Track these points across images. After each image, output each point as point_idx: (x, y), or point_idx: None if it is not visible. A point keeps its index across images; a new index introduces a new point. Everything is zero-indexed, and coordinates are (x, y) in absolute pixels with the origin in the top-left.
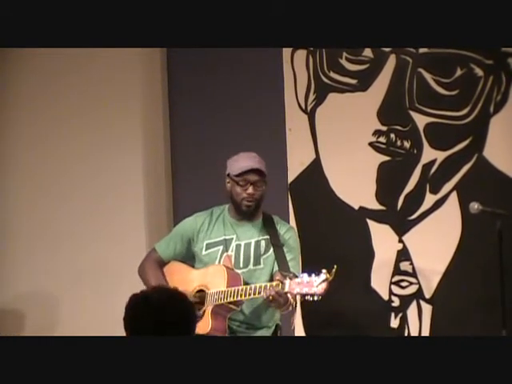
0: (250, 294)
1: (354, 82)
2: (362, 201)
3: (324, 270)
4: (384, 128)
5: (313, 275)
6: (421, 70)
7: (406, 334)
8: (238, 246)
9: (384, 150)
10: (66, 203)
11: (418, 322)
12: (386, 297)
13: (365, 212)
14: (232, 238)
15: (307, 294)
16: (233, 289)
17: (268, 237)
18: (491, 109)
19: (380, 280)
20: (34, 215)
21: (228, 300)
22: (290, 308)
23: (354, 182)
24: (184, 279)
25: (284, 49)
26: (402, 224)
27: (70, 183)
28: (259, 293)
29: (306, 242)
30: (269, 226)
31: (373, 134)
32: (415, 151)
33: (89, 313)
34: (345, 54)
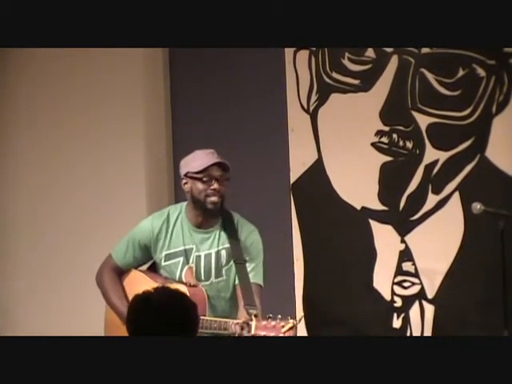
0: (215, 329)
1: (356, 82)
2: (364, 201)
3: (291, 319)
4: (386, 128)
5: (278, 320)
6: (423, 70)
7: (408, 335)
8: (197, 258)
9: (386, 151)
10: (68, 203)
11: (421, 323)
12: (388, 297)
13: (367, 212)
14: (192, 249)
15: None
16: (205, 319)
17: (228, 246)
18: (493, 109)
19: (382, 280)
20: (35, 215)
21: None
22: None
23: (357, 182)
24: (142, 289)
25: (286, 49)
26: (404, 224)
27: (72, 183)
28: (225, 329)
29: (308, 243)
30: (229, 231)
31: (375, 135)
32: (417, 151)
33: (90, 312)
34: (347, 55)
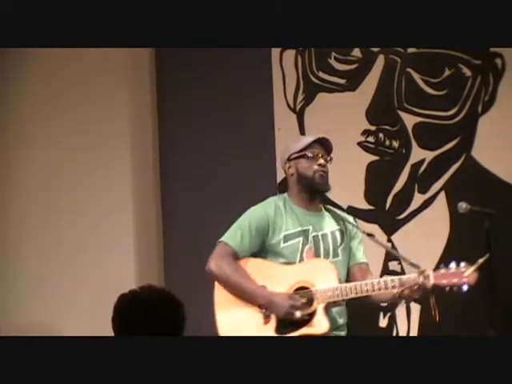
0: (379, 289)
1: (342, 81)
2: (350, 200)
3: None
4: (373, 128)
5: (461, 264)
6: (409, 69)
7: (394, 334)
8: (315, 238)
9: (373, 150)
10: (55, 205)
11: (407, 322)
12: None
13: (353, 211)
14: (308, 229)
15: (455, 285)
16: (355, 284)
17: (340, 227)
18: (479, 109)
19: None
20: (22, 218)
21: (349, 297)
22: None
23: (343, 181)
24: (274, 277)
25: (273, 49)
26: (390, 223)
27: (58, 185)
28: (393, 287)
29: None
30: (334, 213)
31: (362, 134)
32: (404, 151)
33: (79, 314)
34: (333, 54)
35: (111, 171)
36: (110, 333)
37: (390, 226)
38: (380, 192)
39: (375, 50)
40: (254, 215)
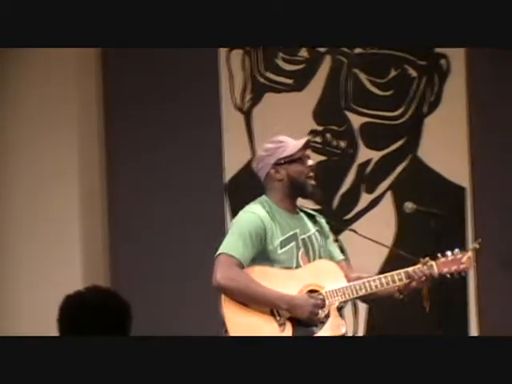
0: (387, 283)
1: (290, 81)
2: (298, 200)
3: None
4: (320, 128)
5: (455, 251)
6: (356, 70)
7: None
8: (304, 240)
9: (320, 150)
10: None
11: (354, 322)
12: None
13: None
14: (297, 233)
15: (455, 272)
16: (363, 282)
17: (317, 227)
18: (425, 109)
19: None
20: None
21: (359, 294)
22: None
23: None
24: (281, 283)
25: (220, 49)
26: (337, 223)
27: (3, 180)
28: (400, 280)
29: None
30: (308, 213)
31: (309, 134)
32: (351, 151)
33: (21, 311)
34: (281, 54)
35: (57, 169)
36: (55, 334)
37: (338, 226)
38: (327, 192)
39: (322, 50)
40: (250, 222)
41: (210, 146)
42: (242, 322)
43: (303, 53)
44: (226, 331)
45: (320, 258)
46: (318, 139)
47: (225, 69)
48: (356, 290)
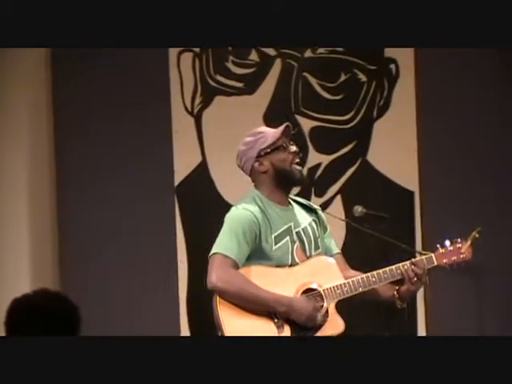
0: (386, 279)
1: (240, 85)
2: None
3: (463, 240)
4: None
5: (456, 240)
6: (306, 74)
7: None
8: (298, 234)
9: None
10: None
11: None
12: None
13: None
14: (290, 226)
15: (455, 263)
16: (361, 278)
17: (312, 217)
18: (374, 113)
19: None
20: None
21: (358, 291)
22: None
23: (241, 184)
24: (278, 282)
25: (170, 51)
26: None
27: None
28: (400, 274)
29: (192, 245)
30: (302, 204)
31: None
32: (301, 155)
33: None
34: (231, 58)
35: (5, 167)
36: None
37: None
38: None
39: (272, 54)
40: (244, 219)
41: (160, 148)
42: (239, 325)
43: (253, 56)
44: (223, 332)
45: (317, 249)
46: None
47: (175, 71)
48: (355, 287)
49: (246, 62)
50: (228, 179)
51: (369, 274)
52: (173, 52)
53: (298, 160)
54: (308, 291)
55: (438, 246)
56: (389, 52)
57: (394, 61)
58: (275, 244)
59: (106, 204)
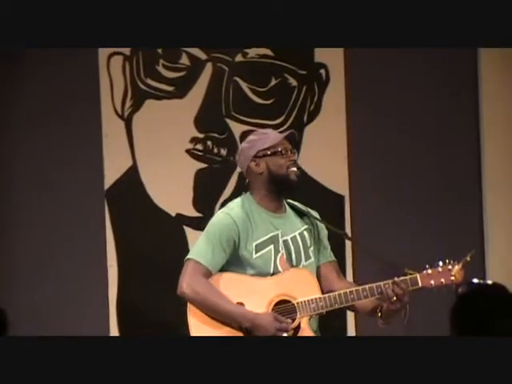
0: (365, 297)
1: (170, 88)
2: (179, 208)
3: (454, 262)
4: (201, 135)
5: (446, 261)
6: (237, 78)
7: None
8: (286, 242)
9: (201, 157)
10: None
11: None
12: None
13: (182, 219)
14: (277, 235)
15: (443, 286)
16: (339, 294)
17: (307, 226)
18: (305, 118)
19: None
20: None
21: (334, 307)
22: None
23: (171, 188)
24: (251, 292)
25: (100, 53)
26: None
27: None
28: (380, 293)
29: (122, 249)
30: (299, 211)
31: (190, 141)
32: (232, 159)
33: None
34: (161, 61)
35: None
36: None
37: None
38: (208, 199)
39: (203, 57)
40: (223, 226)
41: (89, 151)
42: (207, 334)
43: (184, 60)
44: None
45: (308, 259)
46: (199, 146)
47: (105, 74)
48: (331, 303)
49: (177, 65)
50: (158, 183)
51: (347, 291)
52: (102, 55)
53: (293, 168)
54: (281, 303)
55: (427, 266)
56: (319, 57)
57: (324, 66)
58: (256, 252)
59: (35, 207)
